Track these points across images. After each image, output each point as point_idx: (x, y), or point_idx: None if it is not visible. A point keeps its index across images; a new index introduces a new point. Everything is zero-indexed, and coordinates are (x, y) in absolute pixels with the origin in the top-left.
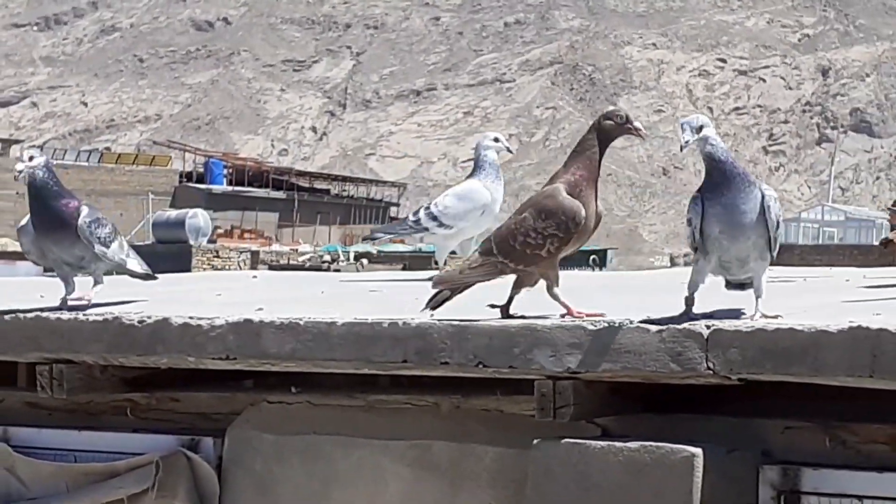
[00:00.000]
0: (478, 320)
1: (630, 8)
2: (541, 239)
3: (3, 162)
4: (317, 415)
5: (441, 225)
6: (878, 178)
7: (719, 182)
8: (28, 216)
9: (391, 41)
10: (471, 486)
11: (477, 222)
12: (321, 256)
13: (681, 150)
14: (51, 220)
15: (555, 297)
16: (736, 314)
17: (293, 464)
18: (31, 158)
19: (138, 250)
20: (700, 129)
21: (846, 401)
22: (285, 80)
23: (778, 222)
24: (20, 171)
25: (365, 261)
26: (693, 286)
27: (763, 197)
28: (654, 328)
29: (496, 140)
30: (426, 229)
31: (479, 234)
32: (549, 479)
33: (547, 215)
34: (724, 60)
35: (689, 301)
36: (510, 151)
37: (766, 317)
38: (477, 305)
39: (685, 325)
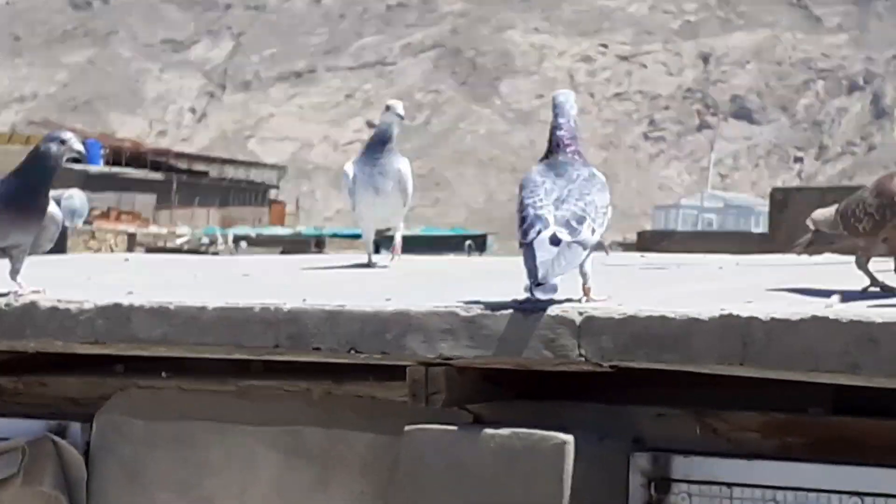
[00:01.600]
0: (351, 305)
1: None
2: (861, 214)
3: None
4: (188, 400)
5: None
6: (757, 165)
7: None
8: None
9: (272, 22)
10: (343, 472)
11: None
12: (199, 239)
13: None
14: None
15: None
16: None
17: (163, 450)
18: None
19: None
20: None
21: (717, 388)
22: (164, 61)
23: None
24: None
25: (244, 243)
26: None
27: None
28: (526, 314)
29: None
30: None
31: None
32: (421, 465)
33: (878, 193)
34: (605, 46)
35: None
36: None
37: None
38: (349, 290)
39: (557, 311)
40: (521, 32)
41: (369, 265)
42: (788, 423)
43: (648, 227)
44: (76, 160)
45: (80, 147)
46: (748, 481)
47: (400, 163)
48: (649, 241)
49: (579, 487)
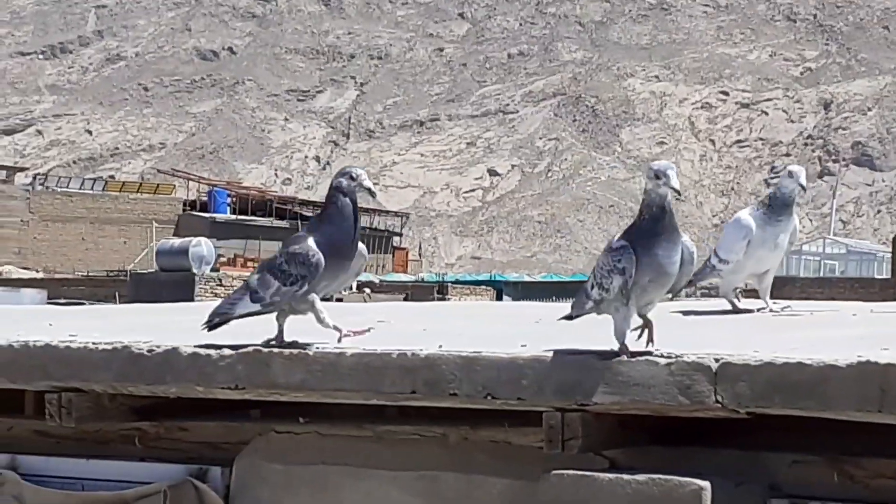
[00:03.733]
0: (487, 351)
1: (633, 40)
2: None
3: (8, 189)
4: (325, 445)
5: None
6: (879, 211)
7: (664, 230)
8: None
9: (395, 71)
10: None
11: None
12: None
13: (678, 194)
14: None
15: None
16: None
17: (301, 494)
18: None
19: (141, 279)
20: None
21: (854, 435)
22: (289, 110)
23: (692, 270)
24: None
25: (369, 290)
26: (622, 335)
27: (683, 244)
28: (662, 361)
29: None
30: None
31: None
32: None
33: None
34: (726, 93)
35: (625, 350)
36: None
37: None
38: (485, 337)
39: (694, 358)
40: (641, 80)
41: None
42: None
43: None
44: (371, 194)
45: (369, 183)
46: None
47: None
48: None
49: None
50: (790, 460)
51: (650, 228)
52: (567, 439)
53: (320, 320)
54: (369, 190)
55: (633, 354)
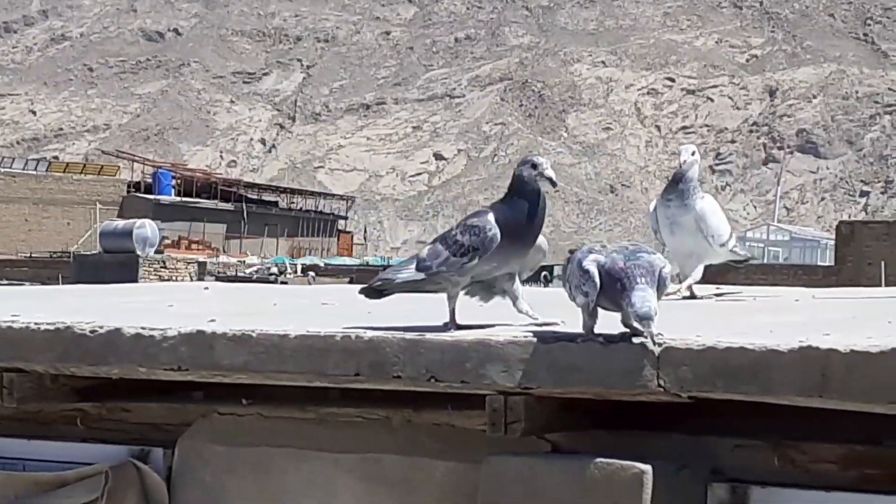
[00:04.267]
0: (430, 334)
1: (580, 26)
2: None
3: None
4: (268, 427)
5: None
6: (823, 198)
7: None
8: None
9: (341, 55)
10: (421, 500)
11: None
12: (269, 269)
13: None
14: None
15: None
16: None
17: (244, 476)
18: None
19: (85, 260)
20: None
21: (796, 420)
22: (235, 92)
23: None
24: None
25: (313, 273)
26: (589, 329)
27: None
28: (606, 344)
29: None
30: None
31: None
32: (500, 494)
33: None
34: (672, 79)
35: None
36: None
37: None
38: (430, 320)
39: (637, 341)
40: (587, 65)
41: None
42: (868, 455)
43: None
44: (552, 183)
45: (551, 173)
46: None
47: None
48: (715, 274)
49: None
50: (732, 444)
51: (524, 215)
52: (510, 422)
53: (515, 303)
54: (550, 179)
55: (610, 339)
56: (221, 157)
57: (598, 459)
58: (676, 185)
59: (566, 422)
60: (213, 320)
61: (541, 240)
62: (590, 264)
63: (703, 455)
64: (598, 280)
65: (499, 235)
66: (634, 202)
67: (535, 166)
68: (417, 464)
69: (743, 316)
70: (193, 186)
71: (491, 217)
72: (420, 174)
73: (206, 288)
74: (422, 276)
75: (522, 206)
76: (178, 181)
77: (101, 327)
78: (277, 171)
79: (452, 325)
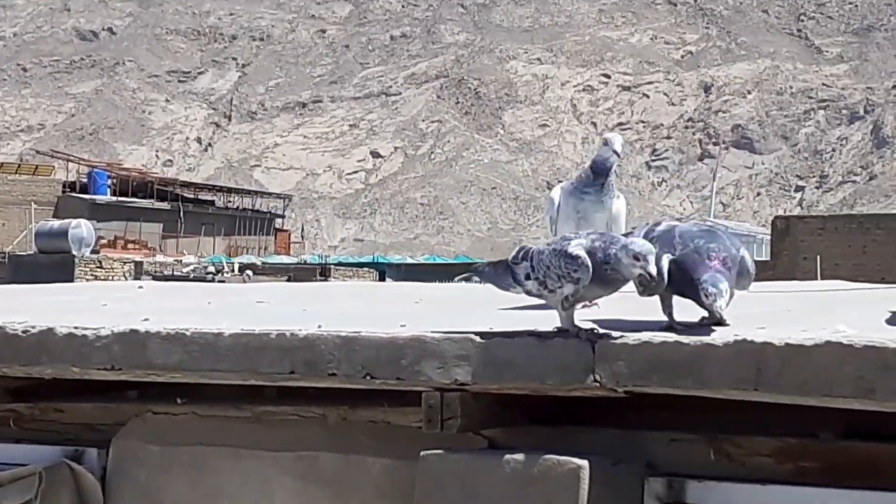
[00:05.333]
0: (366, 331)
1: (515, 23)
2: None
3: None
4: (203, 426)
5: None
6: (758, 193)
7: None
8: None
9: (277, 53)
10: (358, 497)
11: None
12: (206, 268)
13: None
14: None
15: None
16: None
17: (178, 475)
18: None
19: (20, 261)
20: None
21: (731, 413)
22: (170, 91)
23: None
24: None
25: (250, 272)
26: (570, 323)
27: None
28: (541, 340)
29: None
30: None
31: None
32: (436, 491)
33: None
34: (608, 76)
35: (573, 330)
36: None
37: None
38: (365, 317)
39: (572, 337)
40: (523, 62)
41: None
42: (802, 448)
43: None
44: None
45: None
46: None
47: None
48: None
49: None
50: (668, 439)
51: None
52: (446, 419)
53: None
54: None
55: (595, 333)
56: (157, 156)
57: (535, 455)
58: (598, 178)
59: (502, 418)
60: (146, 319)
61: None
62: (576, 249)
63: (639, 450)
64: (589, 263)
65: None
66: None
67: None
68: (353, 461)
69: (678, 310)
70: (129, 186)
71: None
72: (357, 172)
73: (141, 287)
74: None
75: None
76: (114, 181)
77: (33, 327)
78: (214, 170)
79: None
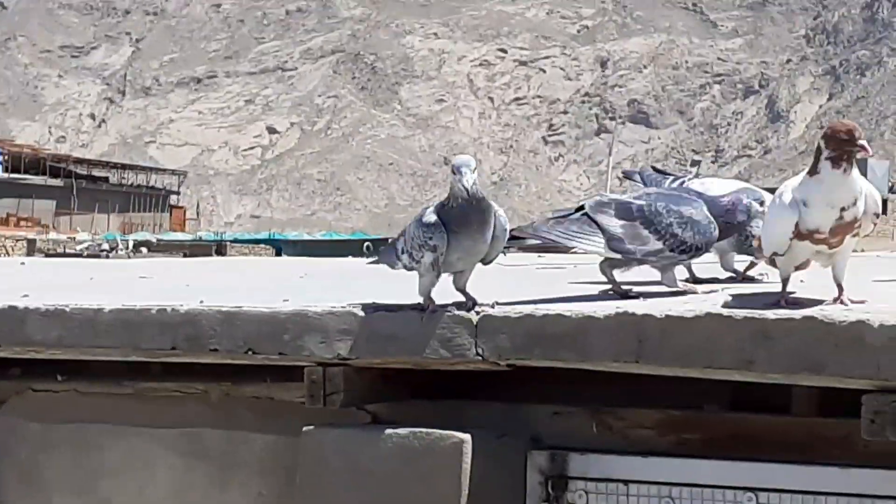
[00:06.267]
0: (248, 306)
1: None
2: None
3: None
4: (84, 403)
5: None
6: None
7: (474, 219)
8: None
9: (171, 28)
10: (241, 473)
11: None
12: (100, 245)
13: (467, 193)
14: None
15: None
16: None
17: (60, 453)
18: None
19: None
20: (474, 169)
21: (614, 386)
22: (63, 67)
23: (504, 243)
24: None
25: (145, 249)
26: (427, 292)
27: (496, 221)
28: (423, 314)
29: None
30: None
31: None
32: (320, 466)
33: None
34: (504, 51)
35: (430, 302)
36: None
37: (482, 304)
38: (249, 292)
39: (454, 311)
40: (420, 37)
41: None
42: (684, 420)
43: None
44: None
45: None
46: (644, 478)
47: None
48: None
49: (477, 486)
50: (551, 412)
51: (463, 213)
52: (329, 394)
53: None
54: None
55: (436, 309)
56: (50, 132)
57: (418, 429)
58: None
59: (386, 392)
60: (25, 295)
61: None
62: (429, 216)
63: (522, 423)
64: (444, 228)
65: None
66: None
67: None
68: (236, 437)
69: (561, 283)
70: (21, 162)
71: (705, 210)
72: (253, 148)
73: (23, 263)
74: (618, 256)
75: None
76: (6, 157)
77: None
78: (108, 147)
79: (677, 283)
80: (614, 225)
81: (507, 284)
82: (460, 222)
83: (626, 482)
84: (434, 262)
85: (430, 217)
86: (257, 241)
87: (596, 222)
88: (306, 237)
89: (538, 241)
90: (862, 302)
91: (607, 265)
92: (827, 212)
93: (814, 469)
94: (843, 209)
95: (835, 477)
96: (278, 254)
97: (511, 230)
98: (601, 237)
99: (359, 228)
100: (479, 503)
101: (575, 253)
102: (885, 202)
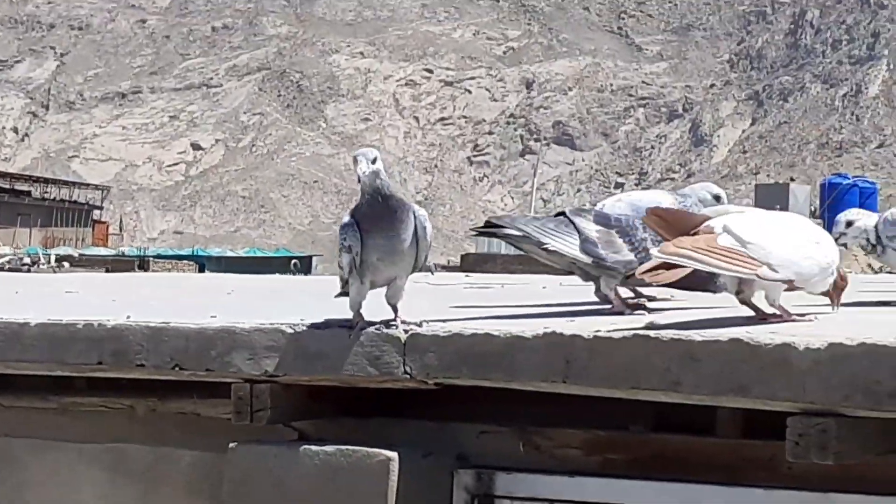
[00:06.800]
0: (175, 322)
1: (338, 16)
2: None
3: None
4: (8, 417)
5: None
6: (578, 189)
7: (382, 214)
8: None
9: (96, 42)
10: (167, 490)
11: None
12: (21, 259)
13: (358, 180)
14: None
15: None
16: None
17: None
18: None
19: None
20: (374, 160)
21: (541, 406)
22: None
23: (430, 243)
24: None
25: (67, 263)
26: (356, 306)
27: (416, 220)
28: (351, 332)
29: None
30: None
31: None
32: (245, 483)
33: None
34: (430, 71)
35: (359, 319)
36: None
37: (408, 322)
38: (176, 308)
39: (383, 329)
40: (346, 56)
41: None
42: (610, 440)
43: (472, 250)
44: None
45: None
46: (571, 497)
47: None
48: (473, 264)
49: None
50: (478, 431)
51: (371, 210)
52: (256, 410)
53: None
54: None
55: (364, 326)
56: None
57: (345, 447)
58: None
59: (313, 410)
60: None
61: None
62: (344, 218)
63: (449, 442)
64: (357, 228)
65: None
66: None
67: (717, 198)
68: (162, 454)
69: (490, 304)
70: None
71: None
72: (177, 164)
73: None
74: (587, 259)
75: None
76: None
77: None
78: (30, 161)
79: (626, 307)
80: (591, 229)
81: (434, 303)
82: (370, 220)
83: (552, 501)
84: (351, 263)
85: (345, 218)
86: (180, 257)
87: (574, 223)
88: (230, 253)
89: (515, 232)
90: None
91: (604, 284)
92: None
93: (739, 490)
94: None
95: (759, 499)
96: (202, 270)
97: (489, 219)
98: (576, 238)
99: (282, 245)
100: None
101: (537, 259)
102: None
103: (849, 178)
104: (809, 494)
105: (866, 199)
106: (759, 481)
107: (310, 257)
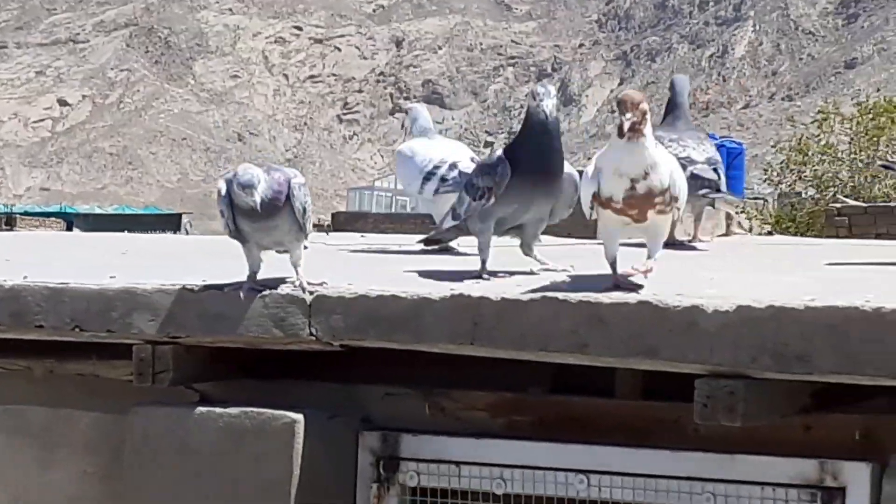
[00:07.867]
0: (75, 283)
1: None
2: None
3: None
4: None
5: None
6: None
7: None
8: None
9: None
10: (66, 451)
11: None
12: None
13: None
14: None
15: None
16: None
17: None
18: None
19: None
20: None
21: (448, 368)
22: None
23: (304, 208)
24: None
25: None
26: (251, 271)
27: (288, 186)
28: (257, 293)
29: None
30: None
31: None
32: (147, 445)
33: None
34: (300, 28)
35: (254, 278)
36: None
37: (312, 283)
38: (74, 267)
39: (288, 290)
40: (214, 13)
41: None
42: (515, 402)
43: (342, 208)
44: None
45: (547, 104)
46: (476, 460)
47: None
48: (344, 223)
49: (308, 466)
50: (383, 392)
51: (532, 147)
52: (157, 372)
53: (525, 248)
54: (544, 112)
55: (252, 287)
56: None
57: (249, 409)
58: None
59: (216, 371)
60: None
61: (570, 170)
62: (220, 184)
63: (354, 404)
64: (224, 193)
65: (509, 170)
66: (263, 150)
67: (534, 96)
68: (61, 415)
69: (397, 265)
70: None
71: (500, 153)
72: (43, 120)
73: None
74: (454, 223)
75: (530, 138)
76: None
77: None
78: None
79: (484, 271)
80: (456, 198)
81: (338, 265)
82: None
83: (458, 463)
84: (225, 226)
85: (220, 184)
86: (48, 214)
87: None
88: (98, 211)
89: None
90: (643, 272)
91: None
92: (616, 180)
93: (645, 452)
94: (633, 180)
95: (666, 460)
96: (69, 227)
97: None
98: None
99: (151, 203)
100: (309, 483)
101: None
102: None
103: (716, 139)
104: (715, 456)
105: (733, 159)
106: (665, 443)
107: (179, 215)
